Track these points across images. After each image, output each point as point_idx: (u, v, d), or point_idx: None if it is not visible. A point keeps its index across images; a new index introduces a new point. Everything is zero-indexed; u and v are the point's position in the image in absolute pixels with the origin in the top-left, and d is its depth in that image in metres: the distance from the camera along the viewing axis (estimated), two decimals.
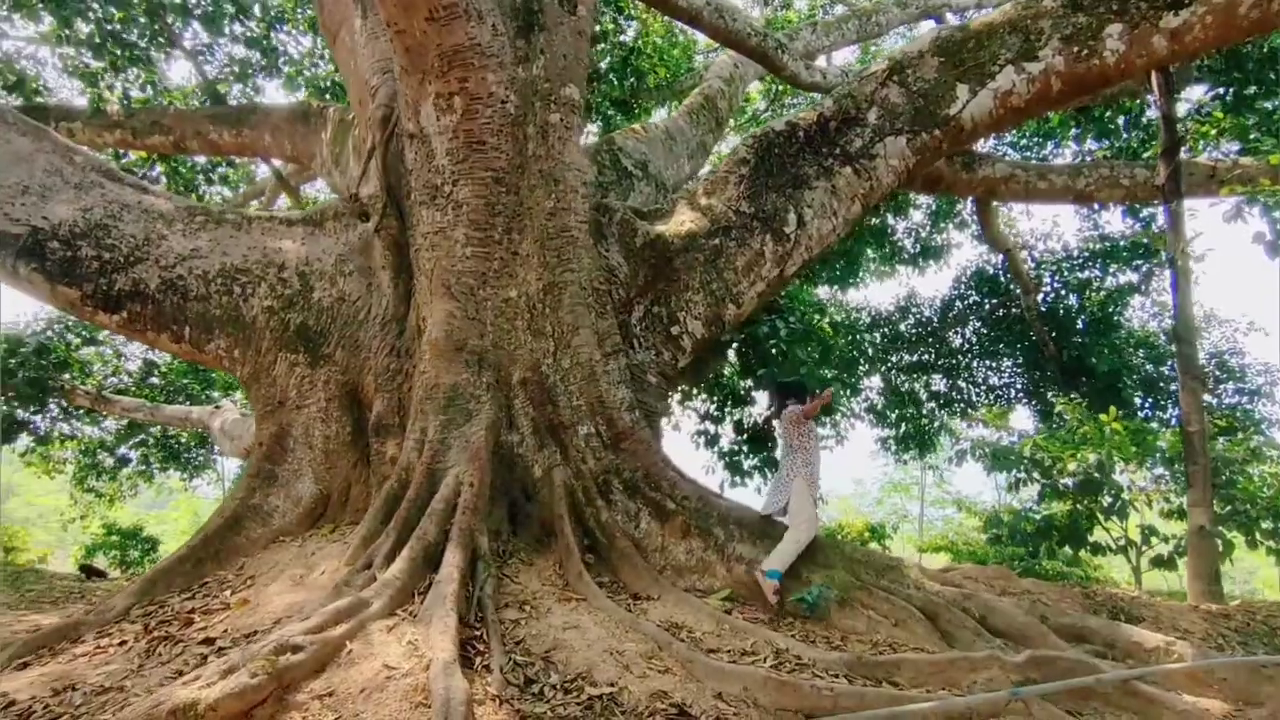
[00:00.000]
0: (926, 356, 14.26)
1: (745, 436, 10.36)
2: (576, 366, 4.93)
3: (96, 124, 9.20)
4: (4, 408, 11.55)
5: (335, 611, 3.22)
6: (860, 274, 13.33)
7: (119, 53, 9.12)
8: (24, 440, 12.56)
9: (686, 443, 10.92)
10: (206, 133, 8.96)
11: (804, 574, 4.35)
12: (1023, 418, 13.49)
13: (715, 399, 10.04)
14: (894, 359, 14.49)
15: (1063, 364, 11.10)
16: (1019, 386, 13.80)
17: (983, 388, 14.03)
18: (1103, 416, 6.90)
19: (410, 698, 2.78)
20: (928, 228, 12.86)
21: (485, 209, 4.87)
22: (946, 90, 5.85)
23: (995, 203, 8.49)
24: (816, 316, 8.61)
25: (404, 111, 5.10)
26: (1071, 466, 6.66)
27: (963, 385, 14.11)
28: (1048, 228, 14.21)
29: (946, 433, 12.49)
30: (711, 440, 10.15)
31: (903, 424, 14.01)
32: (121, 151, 9.88)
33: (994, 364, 13.73)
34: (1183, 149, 7.05)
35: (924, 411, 13.66)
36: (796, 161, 6.11)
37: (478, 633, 3.47)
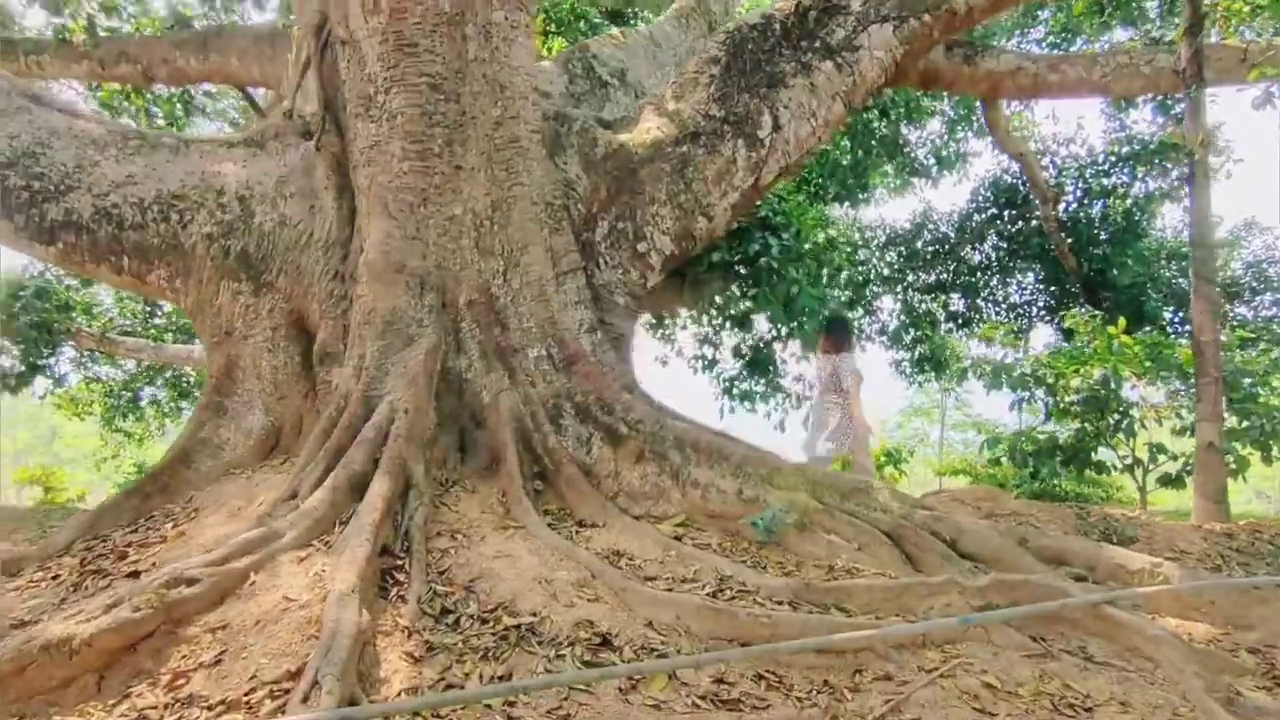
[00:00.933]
0: (944, 275, 13.70)
1: (745, 360, 10.09)
2: (526, 286, 4.67)
3: (64, 56, 8.91)
4: (17, 351, 11.71)
5: (245, 542, 3.09)
6: (870, 189, 12.68)
7: None
8: (42, 384, 12.79)
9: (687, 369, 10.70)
10: (173, 60, 8.62)
11: (761, 498, 4.14)
12: (1046, 335, 12.96)
13: (712, 323, 9.74)
14: (910, 279, 13.96)
15: (1084, 278, 10.51)
16: (1041, 304, 13.23)
17: (1003, 306, 13.49)
18: (1110, 329, 6.45)
19: (303, 630, 2.65)
20: (944, 136, 12.10)
21: (422, 119, 4.52)
22: None
23: (1005, 100, 7.84)
24: (816, 233, 8.15)
25: (334, 15, 4.73)
26: (1075, 383, 6.28)
27: (981, 304, 13.58)
28: (1071, 131, 13.25)
29: (954, 354, 12.07)
30: (709, 365, 9.91)
31: (918, 346, 13.59)
32: (95, 85, 9.61)
33: (1014, 280, 13.14)
34: (1212, 30, 6.34)
35: (940, 332, 13.19)
36: (772, 58, 5.61)
37: (400, 562, 3.34)
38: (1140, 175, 10.43)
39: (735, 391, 9.89)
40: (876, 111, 11.36)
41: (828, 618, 3.18)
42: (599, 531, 3.90)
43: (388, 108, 4.52)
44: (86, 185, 4.77)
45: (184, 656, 2.57)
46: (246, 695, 2.32)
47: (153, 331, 12.53)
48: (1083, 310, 7.69)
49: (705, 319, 9.73)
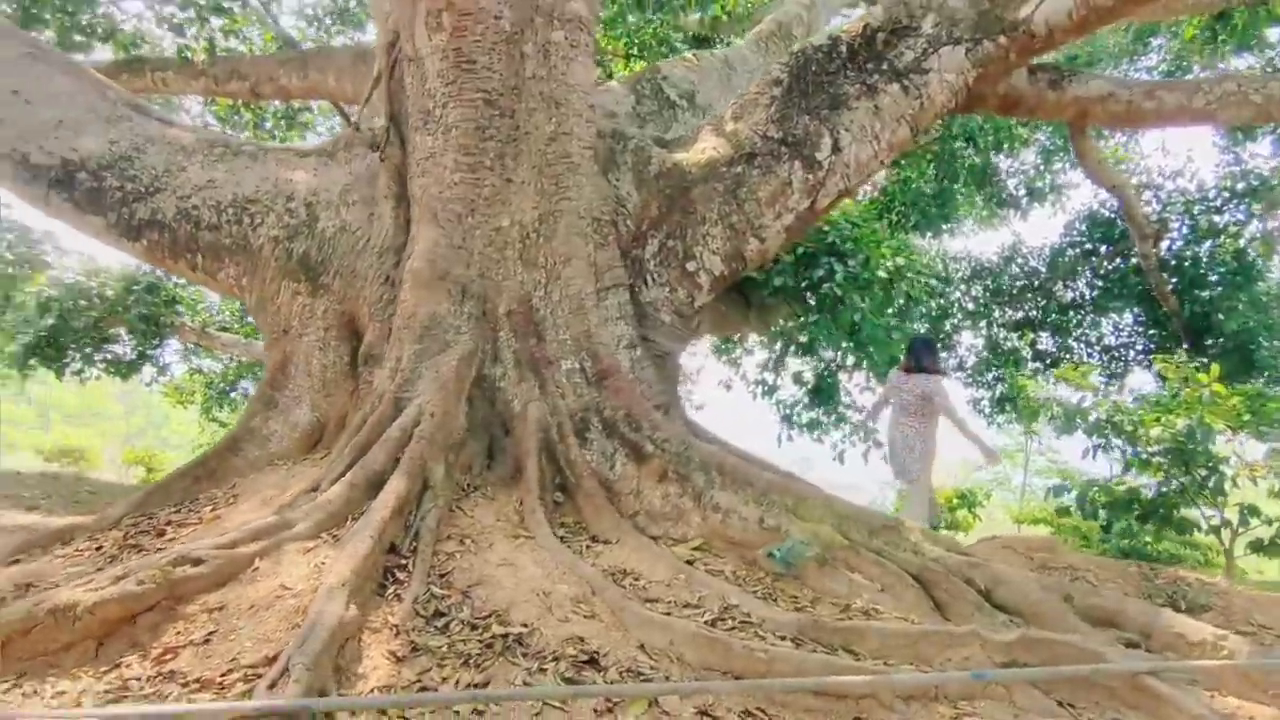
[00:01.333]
0: (1032, 312, 12.99)
1: (809, 388, 9.83)
2: (565, 299, 4.70)
3: (185, 74, 9.70)
4: (130, 341, 12.73)
5: (257, 529, 3.21)
6: (955, 219, 12.19)
7: (202, 3, 9.55)
8: (149, 372, 13.81)
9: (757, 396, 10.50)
10: (278, 78, 9.24)
11: (783, 528, 3.98)
12: (1146, 380, 12.03)
13: (774, 348, 9.53)
14: (996, 314, 13.32)
15: (1186, 321, 9.72)
16: (1140, 347, 12.32)
17: (1096, 347, 12.65)
18: (1200, 376, 5.90)
19: (290, 618, 2.72)
20: (1039, 166, 11.51)
21: (475, 132, 4.65)
22: None
23: (1096, 129, 7.35)
24: (885, 261, 7.88)
25: (404, 34, 4.94)
26: (1155, 432, 5.77)
27: (1073, 345, 12.78)
28: (1178, 164, 12.32)
29: (1024, 393, 11.36)
30: (769, 390, 9.70)
31: (999, 384, 12.90)
32: (210, 100, 10.41)
33: (1109, 321, 12.30)
34: None
35: (1025, 371, 12.46)
36: (836, 80, 5.48)
37: (405, 562, 3.38)
38: (1256, 213, 9.59)
39: (795, 419, 9.64)
40: (963, 139, 10.96)
41: (830, 658, 3.01)
42: (611, 548, 3.84)
43: (444, 121, 4.68)
44: (172, 188, 5.14)
45: (178, 633, 2.68)
46: (223, 676, 2.39)
47: (247, 328, 13.36)
48: (1179, 355, 7.07)
49: (769, 344, 9.55)
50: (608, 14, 10.15)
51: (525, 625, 3.05)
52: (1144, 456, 6.10)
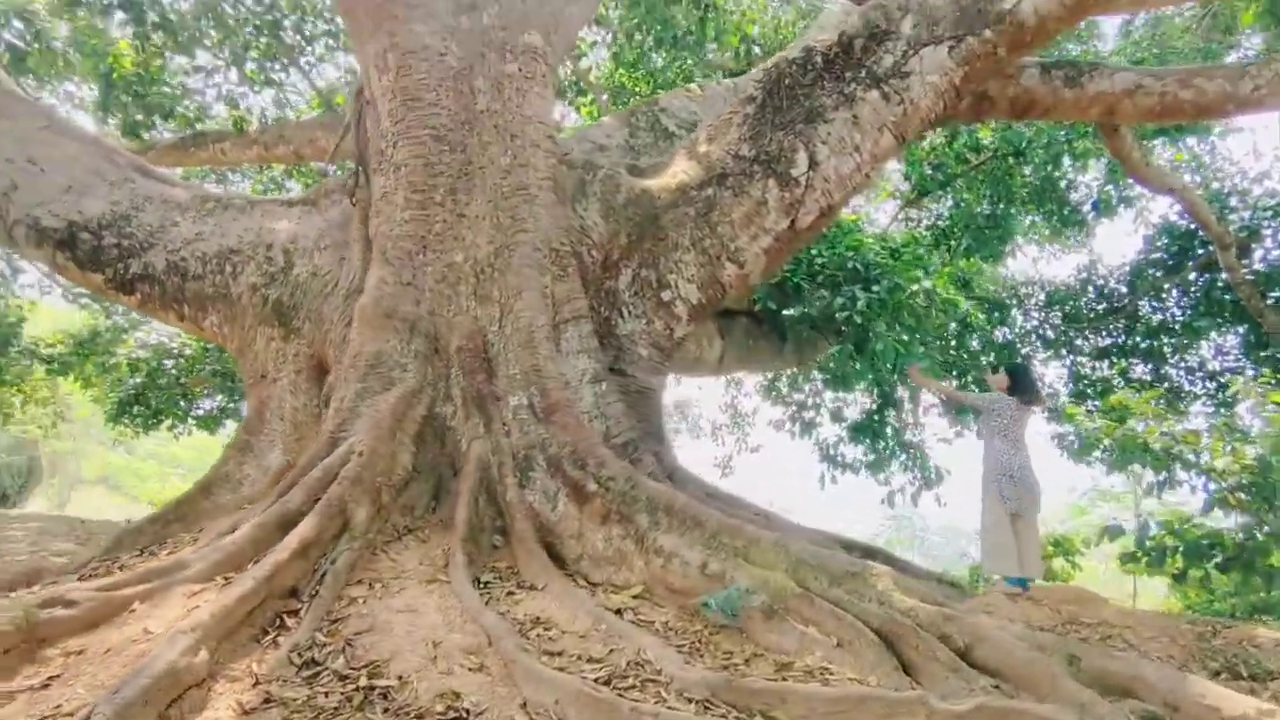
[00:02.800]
0: (1119, 338, 11.84)
1: (851, 425, 9.23)
2: (516, 333, 4.54)
3: (240, 144, 10.42)
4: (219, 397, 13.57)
5: (147, 571, 3.15)
6: (1010, 240, 11.35)
7: (258, 77, 10.32)
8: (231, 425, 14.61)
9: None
10: (317, 139, 9.77)
11: (728, 574, 3.58)
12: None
13: (805, 383, 9.03)
14: (1079, 342, 12.24)
15: None
16: (1253, 373, 10.95)
17: (1198, 374, 11.35)
18: (1275, 396, 5.05)
19: (134, 663, 2.59)
20: (1104, 178, 10.60)
21: (424, 169, 4.65)
22: None
23: (1129, 126, 6.61)
24: (916, 284, 7.34)
25: (363, 78, 5.05)
26: (1221, 464, 4.96)
27: (1171, 371, 11.52)
28: (1265, 164, 11.04)
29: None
30: (806, 428, 9.16)
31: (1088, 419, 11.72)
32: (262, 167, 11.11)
33: (1210, 343, 11.02)
34: None
35: (1067, 398, 11.29)
36: (813, 92, 5.19)
37: (300, 606, 3.23)
38: None
39: (837, 458, 9.02)
40: (1013, 155, 10.25)
41: None
42: (534, 595, 3.57)
43: (394, 160, 4.70)
44: (164, 243, 5.38)
45: (26, 676, 2.60)
46: None
47: None
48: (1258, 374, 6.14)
49: (804, 378, 9.06)
50: (633, 54, 10.19)
51: (400, 677, 2.82)
52: (1221, 493, 5.24)
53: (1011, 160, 10.57)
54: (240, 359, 5.34)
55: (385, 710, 2.65)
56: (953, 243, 11.76)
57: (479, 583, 3.60)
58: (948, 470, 9.51)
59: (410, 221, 4.63)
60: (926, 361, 7.02)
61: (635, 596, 3.71)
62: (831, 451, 9.02)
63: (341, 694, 2.71)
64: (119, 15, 9.04)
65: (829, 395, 9.44)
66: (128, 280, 5.33)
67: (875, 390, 8.77)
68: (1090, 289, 11.81)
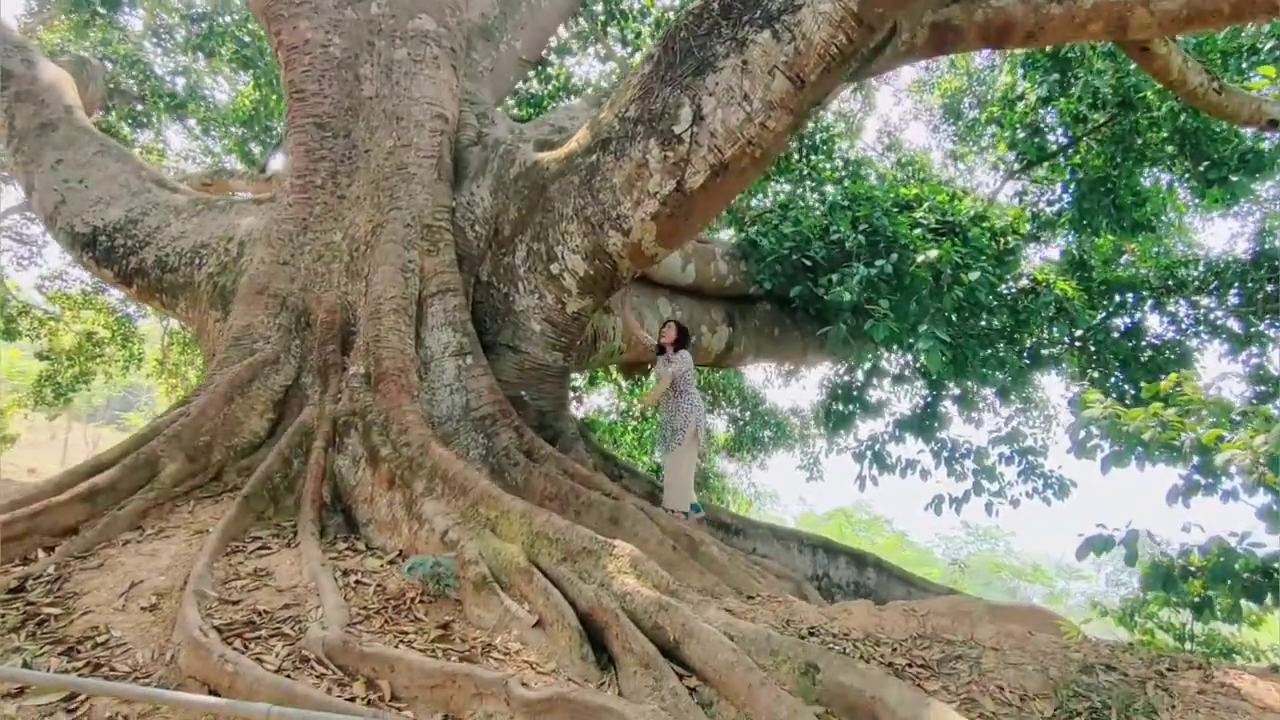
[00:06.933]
0: None
1: (897, 421, 8.14)
2: (367, 305, 4.61)
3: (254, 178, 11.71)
4: None
5: None
6: (1154, 212, 9.40)
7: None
8: None
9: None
10: None
11: (462, 542, 3.33)
12: None
13: (842, 371, 8.08)
14: (1260, 326, 9.91)
15: None
16: None
17: None
18: None
19: None
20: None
21: (305, 155, 4.90)
22: None
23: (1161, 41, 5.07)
24: (918, 255, 6.36)
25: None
26: (1221, 458, 3.68)
27: None
28: None
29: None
30: (841, 421, 8.17)
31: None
32: None
33: None
34: None
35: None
36: (707, 42, 4.74)
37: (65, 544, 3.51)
38: None
39: (880, 458, 7.92)
40: (1141, 109, 8.52)
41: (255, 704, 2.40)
42: (282, 552, 3.58)
43: (285, 149, 5.00)
44: (156, 242, 6.15)
45: None
46: None
47: None
48: None
49: (833, 367, 8.16)
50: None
51: (70, 609, 2.98)
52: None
53: (1135, 115, 8.83)
54: (200, 340, 5.95)
55: (33, 636, 2.81)
56: (1069, 217, 10.06)
57: (245, 536, 3.69)
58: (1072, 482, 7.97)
59: (293, 205, 4.90)
60: (930, 344, 6.02)
61: (390, 562, 3.58)
62: (871, 449, 7.96)
63: (20, 616, 2.91)
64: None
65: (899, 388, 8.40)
66: (127, 274, 6.16)
67: (924, 381, 7.71)
68: (1265, 263, 9.48)
